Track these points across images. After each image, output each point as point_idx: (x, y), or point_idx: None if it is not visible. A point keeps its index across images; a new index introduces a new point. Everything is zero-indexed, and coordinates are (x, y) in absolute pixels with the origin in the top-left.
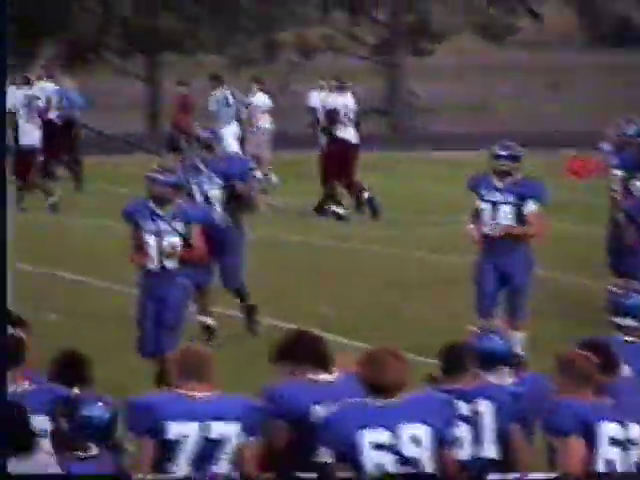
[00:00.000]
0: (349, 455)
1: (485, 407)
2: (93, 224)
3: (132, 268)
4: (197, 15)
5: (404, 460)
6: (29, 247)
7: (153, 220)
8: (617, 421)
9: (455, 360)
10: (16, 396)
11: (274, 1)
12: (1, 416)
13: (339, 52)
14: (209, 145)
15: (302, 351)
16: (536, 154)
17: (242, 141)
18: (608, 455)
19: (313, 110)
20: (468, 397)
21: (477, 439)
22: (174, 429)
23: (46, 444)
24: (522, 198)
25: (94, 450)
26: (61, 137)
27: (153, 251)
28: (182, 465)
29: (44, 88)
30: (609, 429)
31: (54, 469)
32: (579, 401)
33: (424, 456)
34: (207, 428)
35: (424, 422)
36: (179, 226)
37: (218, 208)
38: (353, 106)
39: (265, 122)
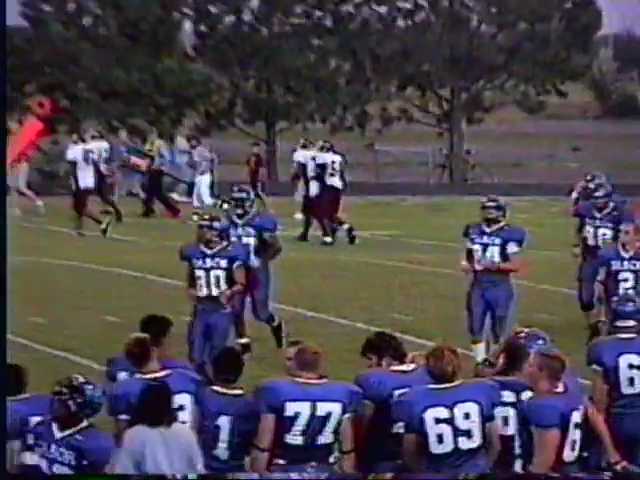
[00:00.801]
0: (417, 428)
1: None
2: None
3: None
4: (305, 91)
5: (459, 432)
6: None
7: (203, 259)
8: (577, 409)
9: (515, 358)
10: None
11: (362, 80)
12: (150, 394)
13: (411, 121)
14: (240, 202)
15: (383, 347)
16: (563, 201)
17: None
18: (574, 437)
19: (302, 164)
20: (517, 388)
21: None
22: (291, 408)
23: (185, 416)
24: (506, 241)
25: None
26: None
27: (203, 283)
28: (297, 436)
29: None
30: (575, 416)
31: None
32: (556, 396)
33: (474, 428)
34: (316, 407)
35: (474, 401)
36: (224, 263)
37: (251, 253)
38: (339, 161)
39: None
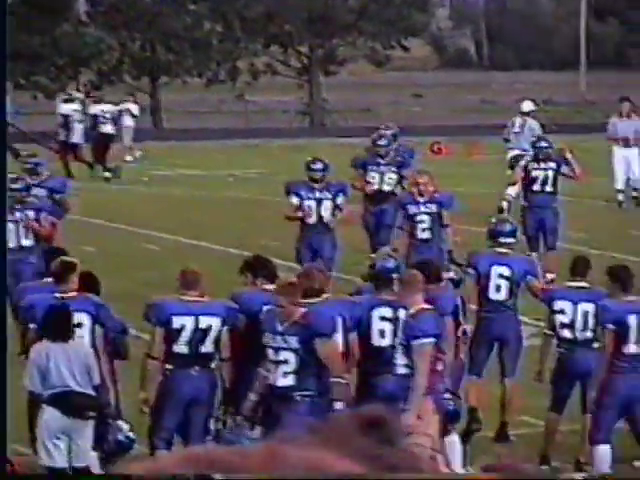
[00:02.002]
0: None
1: None
2: None
3: None
4: (183, 50)
5: None
6: None
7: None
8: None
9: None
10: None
11: (232, 40)
12: (52, 312)
13: (275, 74)
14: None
15: (259, 267)
16: (409, 141)
17: None
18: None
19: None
20: (394, 305)
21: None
22: (177, 321)
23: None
24: (335, 194)
25: None
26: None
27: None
28: (183, 345)
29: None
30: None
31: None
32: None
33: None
34: (198, 320)
35: (340, 315)
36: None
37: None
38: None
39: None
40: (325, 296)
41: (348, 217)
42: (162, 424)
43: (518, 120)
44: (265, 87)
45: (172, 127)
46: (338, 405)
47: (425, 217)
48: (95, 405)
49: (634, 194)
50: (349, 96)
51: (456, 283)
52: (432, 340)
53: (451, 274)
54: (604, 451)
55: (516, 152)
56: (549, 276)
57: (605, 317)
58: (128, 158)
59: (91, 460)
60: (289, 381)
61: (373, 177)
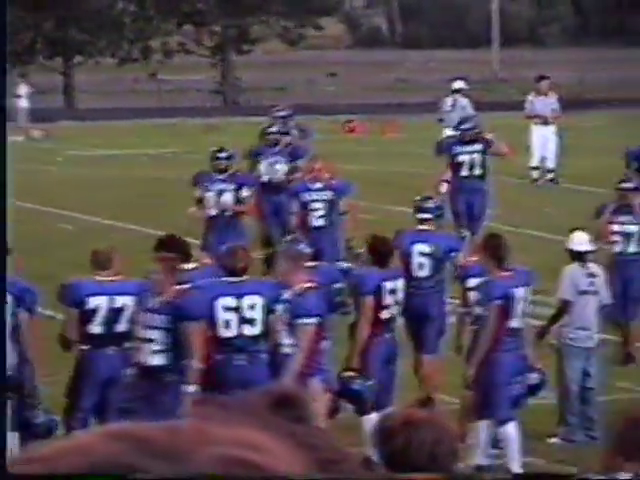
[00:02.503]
0: (208, 313)
1: None
2: None
3: None
4: (96, 30)
5: (244, 319)
6: None
7: None
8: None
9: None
10: None
11: (145, 19)
12: None
13: (189, 53)
14: None
15: (173, 246)
16: (322, 120)
17: None
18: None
19: None
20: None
21: None
22: (91, 302)
23: None
24: (240, 186)
25: None
26: None
27: None
28: (97, 325)
29: None
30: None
31: None
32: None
33: (258, 318)
34: (113, 300)
35: (260, 295)
36: None
37: None
38: None
39: None
40: (245, 277)
41: (251, 209)
42: (78, 404)
43: (449, 99)
44: (178, 66)
45: (86, 107)
46: (190, 388)
47: (319, 204)
48: (13, 387)
49: (549, 176)
50: (263, 75)
51: (346, 272)
52: (315, 319)
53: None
54: (512, 429)
55: (449, 132)
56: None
57: (490, 293)
58: (22, 138)
59: (11, 440)
60: (158, 360)
61: (266, 166)
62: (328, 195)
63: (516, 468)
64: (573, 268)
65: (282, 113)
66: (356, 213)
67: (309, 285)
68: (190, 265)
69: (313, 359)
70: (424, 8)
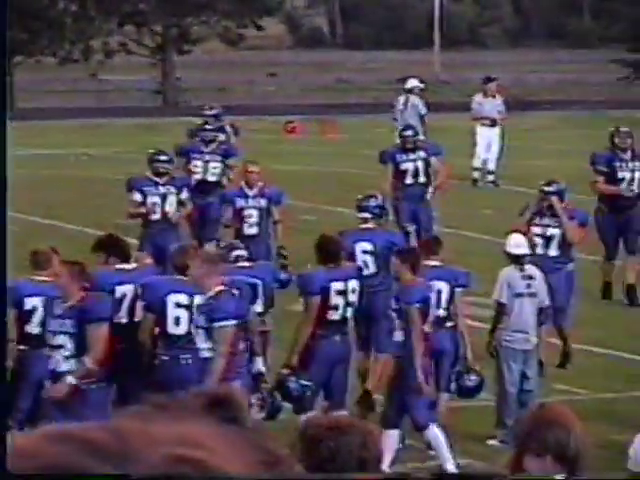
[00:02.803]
0: (159, 309)
1: None
2: None
3: None
4: (37, 29)
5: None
6: None
7: None
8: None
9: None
10: None
11: (87, 19)
12: None
13: (129, 53)
14: None
15: (111, 246)
16: (263, 120)
17: None
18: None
19: None
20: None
21: None
22: (28, 302)
23: None
24: (180, 189)
25: None
26: None
27: None
28: (35, 327)
29: None
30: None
31: None
32: None
33: None
34: (49, 301)
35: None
36: None
37: None
38: None
39: None
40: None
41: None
42: (16, 405)
43: (402, 98)
44: (119, 66)
45: (26, 106)
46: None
47: (253, 212)
48: None
49: (490, 178)
50: (203, 75)
51: (284, 284)
52: (234, 322)
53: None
54: (434, 431)
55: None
56: None
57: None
58: None
59: None
60: (70, 366)
61: (196, 166)
62: (262, 203)
63: (450, 467)
64: (509, 271)
65: (214, 112)
66: (289, 221)
67: (222, 288)
68: (130, 265)
69: (233, 362)
70: (365, 9)
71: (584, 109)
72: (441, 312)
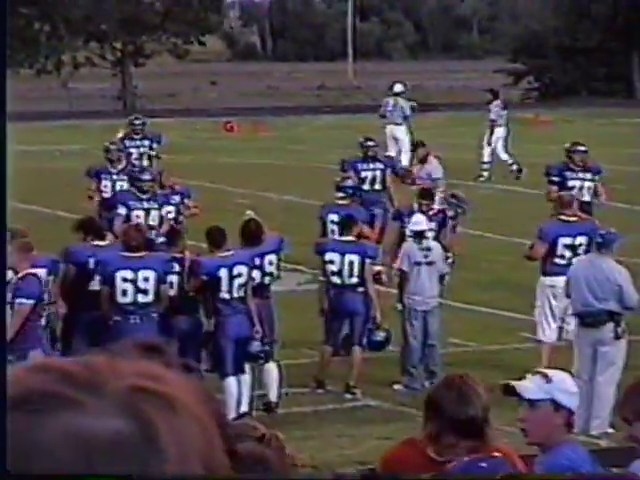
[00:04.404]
0: (110, 283)
1: None
2: None
3: None
4: (16, 46)
5: (139, 289)
6: None
7: None
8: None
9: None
10: None
11: (58, 37)
12: None
13: (94, 66)
14: None
15: (89, 227)
16: (206, 121)
17: None
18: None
19: None
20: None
21: None
22: None
23: None
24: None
25: None
26: None
27: None
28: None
29: None
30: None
31: None
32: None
33: (150, 288)
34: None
35: (153, 269)
36: None
37: None
38: None
39: None
40: (143, 253)
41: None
42: None
43: (390, 100)
44: (85, 76)
45: (7, 111)
46: None
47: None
48: None
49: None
50: (156, 84)
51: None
52: (32, 302)
53: None
54: (233, 381)
55: (390, 127)
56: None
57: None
58: None
59: None
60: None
61: (105, 186)
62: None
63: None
64: (409, 243)
65: (140, 121)
66: (227, 204)
67: (30, 272)
68: (103, 242)
69: (32, 334)
70: (290, 27)
71: (472, 110)
72: (354, 280)
